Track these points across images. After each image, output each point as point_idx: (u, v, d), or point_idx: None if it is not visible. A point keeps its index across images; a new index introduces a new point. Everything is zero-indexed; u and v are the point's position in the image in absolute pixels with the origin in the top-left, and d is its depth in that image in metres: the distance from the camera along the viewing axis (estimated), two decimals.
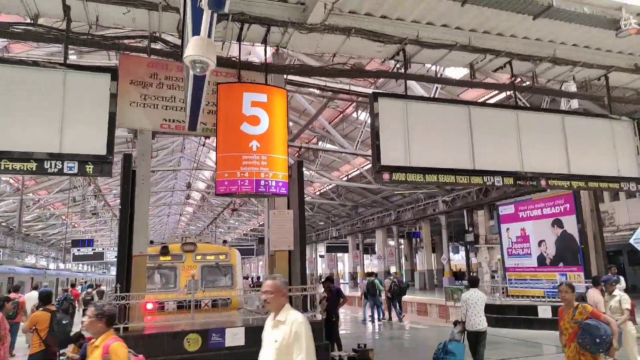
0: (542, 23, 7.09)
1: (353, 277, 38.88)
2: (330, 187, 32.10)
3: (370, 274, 19.86)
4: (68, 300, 13.87)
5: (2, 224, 33.88)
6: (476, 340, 7.51)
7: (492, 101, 13.85)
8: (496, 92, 13.86)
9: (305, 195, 33.36)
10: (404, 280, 21.08)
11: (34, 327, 6.89)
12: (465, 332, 7.59)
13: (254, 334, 7.67)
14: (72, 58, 11.71)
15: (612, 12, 6.44)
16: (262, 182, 6.32)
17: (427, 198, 29.42)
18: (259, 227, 41.23)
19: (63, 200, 30.04)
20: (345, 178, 28.84)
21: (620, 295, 7.49)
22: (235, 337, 7.45)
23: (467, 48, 7.65)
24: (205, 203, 40.78)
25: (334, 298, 8.99)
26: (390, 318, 16.16)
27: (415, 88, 14.03)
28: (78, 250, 28.58)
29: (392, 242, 36.61)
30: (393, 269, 34.73)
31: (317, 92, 11.51)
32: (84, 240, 30.87)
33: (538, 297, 13.15)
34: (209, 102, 6.86)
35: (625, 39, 7.89)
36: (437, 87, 14.35)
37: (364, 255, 40.20)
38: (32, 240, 44.37)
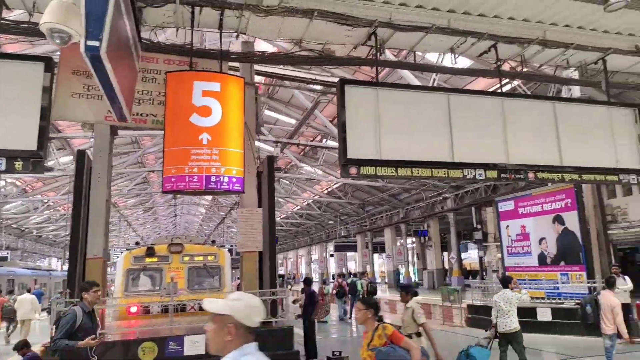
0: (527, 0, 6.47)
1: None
2: (337, 185, 31.60)
3: (355, 275, 20.79)
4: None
5: (13, 225, 34.22)
6: (508, 342, 7.34)
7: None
8: (507, 80, 13.01)
9: (313, 195, 32.95)
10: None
11: None
12: (498, 335, 7.41)
13: None
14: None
15: None
16: (213, 178, 5.85)
17: (435, 195, 28.66)
18: None
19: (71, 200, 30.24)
20: (359, 178, 28.30)
21: (413, 307, 6.15)
22: (194, 346, 7.00)
23: (445, 31, 7.06)
24: (214, 203, 40.67)
25: (308, 301, 8.48)
26: None
27: (410, 78, 13.41)
28: None
29: (402, 241, 35.91)
30: (402, 268, 34.04)
31: (288, 82, 10.99)
32: None
33: (538, 298, 12.41)
34: (160, 93, 6.42)
35: (623, 17, 7.23)
36: (434, 77, 13.70)
37: (374, 255, 39.53)
38: (45, 242, 44.89)
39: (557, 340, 10.32)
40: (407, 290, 6.49)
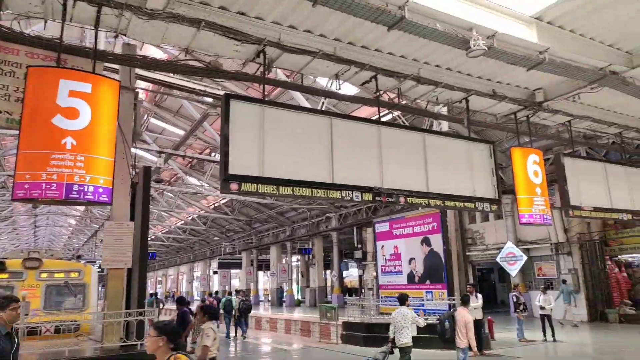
0: (401, 38, 7.03)
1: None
2: (224, 200, 30.90)
3: (230, 293, 20.73)
4: None
5: None
6: (402, 355, 7.81)
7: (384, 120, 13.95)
8: (387, 111, 14.03)
9: (198, 209, 31.71)
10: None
11: None
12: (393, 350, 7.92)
13: None
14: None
15: (463, 31, 6.48)
16: (75, 187, 5.31)
17: (320, 215, 29.44)
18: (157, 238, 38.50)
19: None
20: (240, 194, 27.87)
21: (204, 329, 5.87)
22: None
23: (331, 57, 7.36)
24: (87, 214, 37.10)
25: (180, 321, 8.02)
26: (235, 335, 16.53)
27: (300, 100, 13.73)
28: None
29: (287, 258, 36.09)
30: (286, 286, 34.16)
31: (178, 92, 10.63)
32: None
33: None
34: (18, 88, 5.73)
35: (483, 64, 8.19)
36: (323, 101, 14.19)
37: (259, 272, 39.16)
38: None
39: (421, 353, 11.08)
40: (205, 311, 6.29)
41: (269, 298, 36.51)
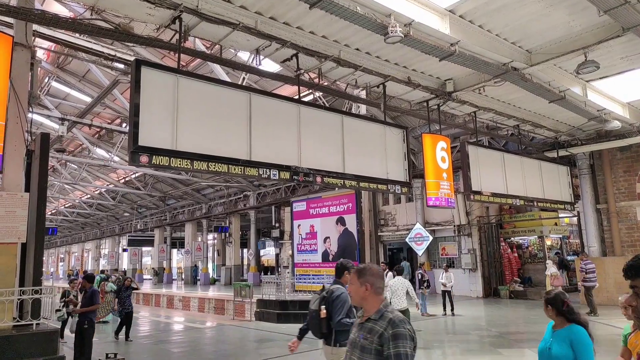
0: (323, 18, 7.06)
1: (157, 273, 36.31)
2: (136, 175, 29.34)
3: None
4: None
5: None
6: None
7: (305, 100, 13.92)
8: (308, 91, 14.02)
9: (107, 183, 29.75)
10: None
11: None
12: None
13: None
14: None
15: (382, 17, 6.64)
16: None
17: (238, 193, 29.07)
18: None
19: None
20: (151, 168, 26.60)
21: None
22: None
23: (251, 31, 7.18)
24: None
25: (87, 302, 7.54)
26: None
27: (220, 74, 13.28)
28: None
29: (203, 236, 35.27)
30: (201, 264, 33.50)
31: (85, 55, 9.81)
32: None
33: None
34: None
35: (400, 51, 8.47)
36: (244, 76, 13.85)
37: (172, 250, 37.96)
38: None
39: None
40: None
41: (183, 276, 35.62)
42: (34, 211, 6.75)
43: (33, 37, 7.35)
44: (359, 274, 2.51)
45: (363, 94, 11.02)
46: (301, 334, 4.43)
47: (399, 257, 27.40)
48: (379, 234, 19.74)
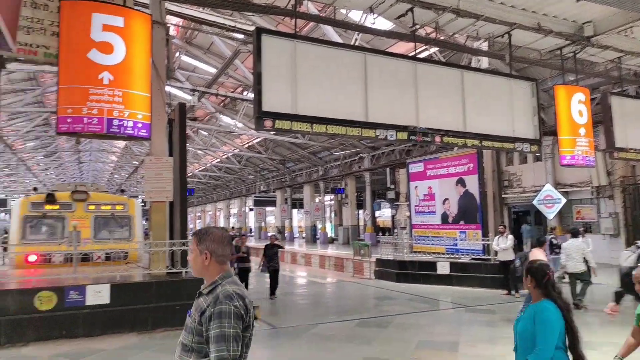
0: None
1: (280, 231, 38.83)
2: (257, 140, 31.19)
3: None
4: None
5: None
6: (576, 279, 8.86)
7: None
8: (424, 47, 13.37)
9: (232, 148, 32.15)
10: None
11: None
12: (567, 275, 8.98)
13: (122, 292, 7.06)
14: None
15: None
16: (116, 122, 5.50)
17: (353, 155, 29.40)
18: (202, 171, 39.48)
19: None
20: (274, 132, 28.00)
21: None
22: (98, 295, 6.78)
23: None
24: (127, 151, 38.38)
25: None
26: None
27: (332, 36, 13.30)
28: None
29: (320, 197, 36.67)
30: (320, 224, 35.01)
31: (208, 28, 10.48)
32: None
33: (439, 253, 13.48)
34: (53, 22, 5.79)
35: None
36: (356, 37, 13.70)
37: (292, 210, 40.10)
38: None
39: (453, 291, 11.35)
40: None
41: (303, 235, 37.59)
42: (176, 173, 7.58)
43: (165, 15, 8.05)
44: (198, 240, 2.06)
45: (485, 46, 10.24)
46: (618, 298, 4.34)
47: (525, 220, 25.66)
48: (502, 196, 18.59)
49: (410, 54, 8.23)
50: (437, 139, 7.80)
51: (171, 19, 12.43)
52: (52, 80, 19.71)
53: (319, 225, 35.02)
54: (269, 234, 19.26)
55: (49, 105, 23.42)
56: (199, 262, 2.04)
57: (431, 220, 14.28)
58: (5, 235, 13.69)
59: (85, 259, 8.76)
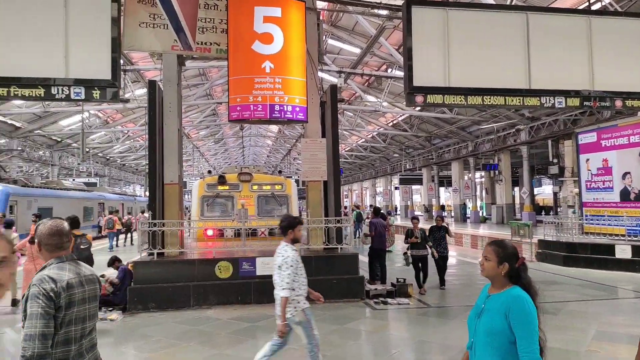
0: None
1: (427, 209, 38.10)
2: (402, 117, 30.78)
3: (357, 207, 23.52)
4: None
5: (99, 154, 37.17)
6: None
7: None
8: None
9: (377, 127, 32.46)
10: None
11: None
12: None
13: None
14: None
15: None
16: (277, 107, 5.90)
17: (507, 127, 27.16)
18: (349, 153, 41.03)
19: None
20: (419, 108, 27.31)
21: None
22: (266, 267, 7.46)
23: None
24: (280, 135, 41.39)
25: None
26: None
27: None
28: None
29: (470, 174, 34.88)
30: (470, 202, 33.43)
31: (352, 8, 10.44)
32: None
33: (617, 235, 11.74)
34: (222, 20, 6.39)
35: None
36: None
37: (440, 188, 38.95)
38: (128, 170, 48.55)
39: (636, 278, 9.88)
40: None
41: (452, 214, 36.33)
42: (329, 153, 7.88)
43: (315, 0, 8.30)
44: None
45: None
46: None
47: None
48: None
49: (582, 7, 7.17)
50: (618, 102, 6.74)
51: (319, 4, 12.82)
52: (218, 74, 22.05)
53: (469, 204, 33.40)
54: (434, 214, 19.16)
55: (216, 97, 26.32)
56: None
57: (607, 198, 12.46)
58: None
59: (253, 234, 9.69)
